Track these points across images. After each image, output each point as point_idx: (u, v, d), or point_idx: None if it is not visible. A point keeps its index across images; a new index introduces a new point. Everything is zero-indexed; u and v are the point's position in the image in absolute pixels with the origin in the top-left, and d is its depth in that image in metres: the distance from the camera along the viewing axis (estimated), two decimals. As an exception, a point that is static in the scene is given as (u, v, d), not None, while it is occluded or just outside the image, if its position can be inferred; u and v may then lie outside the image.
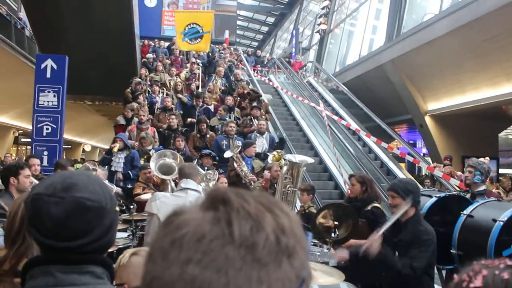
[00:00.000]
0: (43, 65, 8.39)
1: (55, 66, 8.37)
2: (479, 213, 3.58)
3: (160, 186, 6.15)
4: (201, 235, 0.50)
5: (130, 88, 10.98)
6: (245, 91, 10.50)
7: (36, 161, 5.61)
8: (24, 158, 8.12)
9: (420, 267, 2.98)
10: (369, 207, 4.11)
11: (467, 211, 3.64)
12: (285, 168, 5.64)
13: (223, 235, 0.50)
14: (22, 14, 16.85)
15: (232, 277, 0.48)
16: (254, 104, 9.35)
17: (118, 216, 1.18)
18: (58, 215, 1.02)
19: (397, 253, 3.11)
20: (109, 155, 7.62)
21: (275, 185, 5.93)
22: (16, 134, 23.48)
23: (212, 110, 10.11)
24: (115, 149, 7.46)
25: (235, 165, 6.76)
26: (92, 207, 1.05)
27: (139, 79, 11.53)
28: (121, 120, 9.40)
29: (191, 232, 0.51)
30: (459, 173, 8.68)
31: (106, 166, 7.81)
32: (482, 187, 4.41)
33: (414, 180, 3.63)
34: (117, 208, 1.18)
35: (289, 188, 5.51)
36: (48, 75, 8.33)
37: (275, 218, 0.53)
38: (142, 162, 7.60)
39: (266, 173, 6.08)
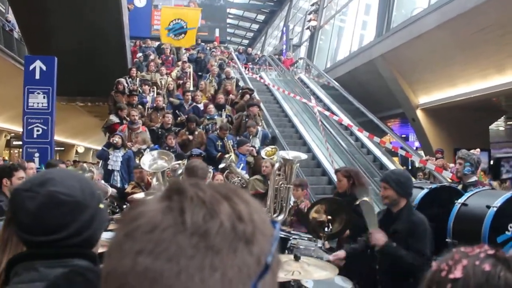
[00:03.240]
0: (31, 67, 8.29)
1: (44, 67, 8.27)
2: (473, 201, 3.58)
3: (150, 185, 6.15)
4: (153, 226, 0.50)
5: (113, 90, 10.79)
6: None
7: (33, 165, 5.63)
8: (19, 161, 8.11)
9: (428, 254, 3.03)
10: (358, 202, 4.11)
11: (461, 200, 3.64)
12: (277, 164, 5.63)
13: (175, 223, 0.50)
14: (11, 16, 16.60)
15: (184, 266, 0.47)
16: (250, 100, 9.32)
17: (103, 213, 1.16)
18: (33, 210, 1.03)
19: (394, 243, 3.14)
20: (108, 148, 7.56)
21: (268, 181, 5.92)
22: (8, 137, 23.30)
23: (202, 108, 10.01)
24: (117, 139, 7.45)
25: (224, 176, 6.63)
26: (66, 202, 1.05)
27: (120, 78, 11.22)
28: (114, 119, 9.32)
29: (144, 223, 0.51)
30: (451, 165, 8.71)
31: (101, 163, 7.75)
32: (473, 178, 4.42)
33: (407, 172, 3.65)
34: (101, 205, 1.18)
35: (282, 185, 5.51)
36: (37, 77, 8.23)
37: (231, 205, 0.52)
38: (137, 161, 7.58)
39: None
